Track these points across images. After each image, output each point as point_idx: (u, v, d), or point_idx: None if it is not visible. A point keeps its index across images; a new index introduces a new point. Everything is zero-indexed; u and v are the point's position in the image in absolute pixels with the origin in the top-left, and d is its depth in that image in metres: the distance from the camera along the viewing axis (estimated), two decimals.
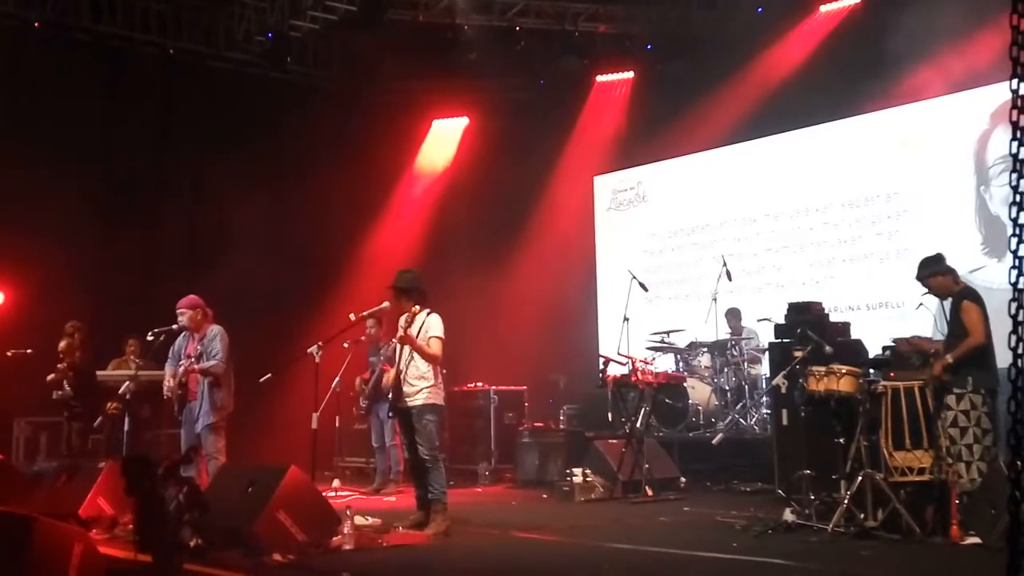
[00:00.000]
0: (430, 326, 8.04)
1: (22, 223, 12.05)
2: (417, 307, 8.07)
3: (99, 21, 13.28)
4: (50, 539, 5.67)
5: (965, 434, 7.14)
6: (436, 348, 7.99)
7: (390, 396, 8.19)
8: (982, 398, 7.23)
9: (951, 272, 7.67)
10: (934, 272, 7.67)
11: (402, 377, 8.00)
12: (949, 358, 7.28)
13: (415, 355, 7.98)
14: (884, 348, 8.61)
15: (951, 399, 7.22)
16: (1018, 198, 2.81)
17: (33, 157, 12.33)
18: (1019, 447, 2.74)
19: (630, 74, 14.90)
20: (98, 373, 10.93)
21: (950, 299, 7.65)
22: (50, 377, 11.02)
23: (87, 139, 13.01)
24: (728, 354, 11.88)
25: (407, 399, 7.98)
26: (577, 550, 7.43)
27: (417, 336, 8.00)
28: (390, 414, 8.18)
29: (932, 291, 7.73)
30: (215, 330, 8.95)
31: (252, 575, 6.27)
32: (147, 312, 10.81)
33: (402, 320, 8.20)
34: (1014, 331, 2.81)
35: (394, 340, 10.94)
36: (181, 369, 8.82)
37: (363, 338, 11.13)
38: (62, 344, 11.11)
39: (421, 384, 7.96)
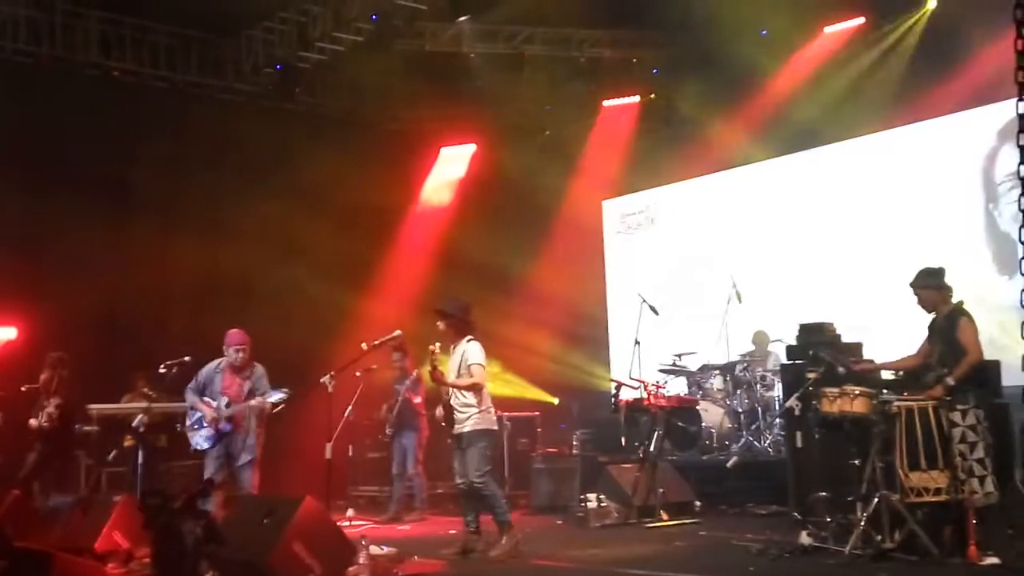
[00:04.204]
0: (469, 354, 8.14)
1: (33, 258, 12.10)
2: (437, 344, 8.11)
3: (108, 56, 13.37)
4: (67, 574, 5.69)
5: (975, 448, 7.12)
6: (476, 375, 8.09)
7: (443, 423, 8.24)
8: (983, 413, 7.23)
9: (945, 288, 7.66)
10: (930, 284, 7.65)
11: (452, 404, 8.09)
12: (951, 380, 7.25)
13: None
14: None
15: (956, 415, 7.20)
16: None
17: (44, 193, 12.39)
18: None
19: (636, 98, 14.95)
20: (101, 407, 10.99)
21: (933, 314, 7.65)
22: (34, 422, 10.48)
23: (97, 174, 13.04)
24: (741, 375, 11.86)
25: (458, 425, 8.09)
26: None
27: (459, 365, 8.10)
28: (448, 440, 8.28)
29: (920, 301, 7.73)
30: (261, 368, 9.11)
31: None
32: (156, 346, 10.84)
33: (434, 347, 8.21)
34: None
35: (415, 372, 11.13)
36: (255, 402, 8.80)
37: (374, 367, 11.12)
38: (44, 376, 10.56)
39: (468, 411, 8.08)
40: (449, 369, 8.21)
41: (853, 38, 12.64)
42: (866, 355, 9.22)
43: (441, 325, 8.28)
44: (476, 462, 8.03)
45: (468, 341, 8.21)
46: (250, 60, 13.99)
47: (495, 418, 8.29)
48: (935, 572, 6.66)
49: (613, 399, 11.39)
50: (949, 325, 7.48)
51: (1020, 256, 2.82)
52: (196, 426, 9.00)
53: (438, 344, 8.12)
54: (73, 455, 10.98)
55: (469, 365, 8.09)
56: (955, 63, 11.20)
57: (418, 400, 11.28)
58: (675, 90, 14.37)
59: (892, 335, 11.45)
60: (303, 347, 12.73)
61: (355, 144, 14.76)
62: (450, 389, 8.13)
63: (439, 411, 8.34)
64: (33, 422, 10.51)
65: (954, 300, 7.65)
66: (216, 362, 9.13)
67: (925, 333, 7.80)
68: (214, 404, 8.91)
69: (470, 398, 8.08)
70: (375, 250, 14.82)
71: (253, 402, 8.84)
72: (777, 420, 11.20)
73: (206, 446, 8.92)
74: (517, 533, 8.07)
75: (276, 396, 8.77)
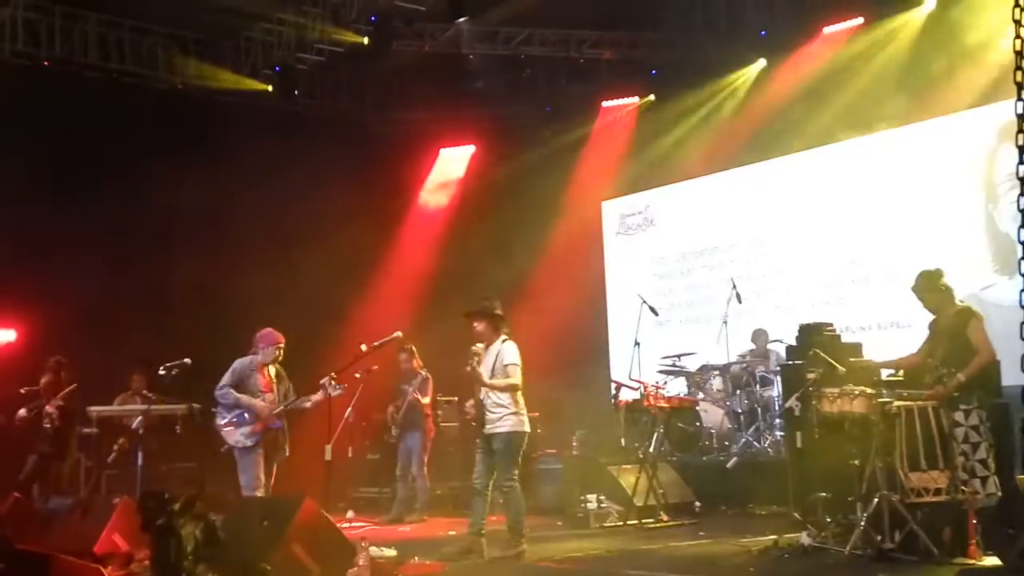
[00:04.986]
0: (505, 355, 8.06)
1: (32, 261, 12.10)
2: (480, 345, 8.08)
3: (107, 59, 13.39)
4: None
5: (978, 449, 7.14)
6: (513, 376, 8.00)
7: (474, 423, 8.15)
8: (986, 414, 7.23)
9: (946, 289, 7.67)
10: (931, 287, 7.67)
11: (484, 404, 8.03)
12: (961, 377, 7.25)
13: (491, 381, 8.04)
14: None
15: (959, 415, 7.22)
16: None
17: (43, 195, 12.39)
18: None
19: (635, 99, 14.96)
20: (100, 409, 10.97)
21: (936, 315, 7.67)
22: (23, 412, 10.52)
23: (95, 175, 13.05)
24: (741, 375, 11.86)
25: (489, 425, 8.01)
26: None
27: (493, 366, 8.03)
28: (476, 439, 8.25)
29: (925, 304, 7.74)
30: (280, 368, 9.16)
31: None
32: (155, 347, 10.81)
33: (477, 347, 8.17)
34: None
35: (423, 372, 11.15)
36: (317, 397, 8.79)
37: (375, 367, 11.12)
38: (44, 379, 10.59)
39: (501, 411, 7.97)
40: (483, 369, 8.11)
41: (852, 38, 12.61)
42: (865, 356, 9.22)
43: (478, 326, 8.16)
44: (507, 466, 7.95)
45: (503, 341, 8.12)
46: (249, 62, 14.00)
47: (527, 419, 8.15)
48: (935, 572, 6.65)
49: (613, 400, 11.38)
50: (957, 325, 7.48)
51: (1019, 256, 2.81)
52: (235, 422, 8.90)
53: (480, 345, 8.07)
54: (73, 457, 10.97)
55: (505, 365, 8.00)
56: (954, 63, 11.19)
57: (425, 401, 11.28)
58: (674, 91, 14.36)
59: (892, 335, 11.50)
60: (303, 348, 12.71)
61: (354, 145, 14.76)
62: (482, 392, 8.03)
63: (469, 404, 8.23)
64: (22, 412, 10.51)
65: (956, 300, 7.66)
66: (248, 359, 9.11)
67: (925, 333, 7.79)
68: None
69: (503, 398, 7.98)
70: (374, 251, 14.81)
71: (316, 396, 8.81)
72: (777, 420, 11.19)
73: (249, 443, 8.86)
74: (525, 544, 8.03)
75: (336, 392, 8.75)
